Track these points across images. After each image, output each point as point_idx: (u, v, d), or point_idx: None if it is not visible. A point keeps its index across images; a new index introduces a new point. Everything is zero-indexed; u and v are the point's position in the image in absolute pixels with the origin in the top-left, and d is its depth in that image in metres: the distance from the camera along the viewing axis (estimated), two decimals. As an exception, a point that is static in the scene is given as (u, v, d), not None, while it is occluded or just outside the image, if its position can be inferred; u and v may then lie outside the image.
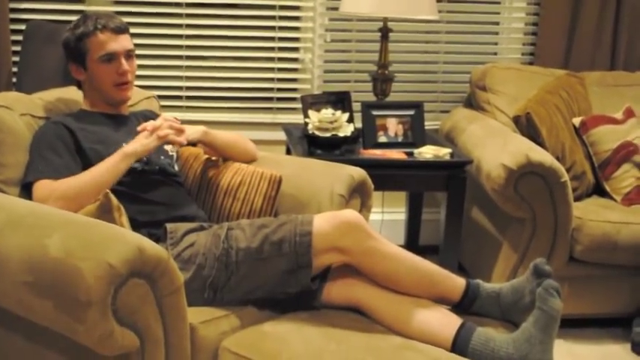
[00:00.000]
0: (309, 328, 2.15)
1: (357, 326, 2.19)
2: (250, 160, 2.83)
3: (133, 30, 2.68)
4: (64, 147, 2.46)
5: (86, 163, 2.45)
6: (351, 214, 2.27)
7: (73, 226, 1.98)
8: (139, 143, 2.44)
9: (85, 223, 2.01)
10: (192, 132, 2.62)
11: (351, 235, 2.23)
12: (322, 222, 2.24)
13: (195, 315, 2.11)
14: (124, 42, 2.59)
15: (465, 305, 2.30)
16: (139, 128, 2.49)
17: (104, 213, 2.18)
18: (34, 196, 2.36)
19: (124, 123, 2.65)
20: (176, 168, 2.71)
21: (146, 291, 1.89)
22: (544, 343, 2.11)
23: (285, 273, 2.23)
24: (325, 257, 2.25)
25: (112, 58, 2.56)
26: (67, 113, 2.65)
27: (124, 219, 2.25)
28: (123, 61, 2.58)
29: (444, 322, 2.18)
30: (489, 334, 2.14)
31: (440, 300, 2.29)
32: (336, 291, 2.30)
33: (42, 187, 2.36)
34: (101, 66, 2.56)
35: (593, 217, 3.13)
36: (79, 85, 2.67)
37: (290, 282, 2.24)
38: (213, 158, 2.80)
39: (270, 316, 2.25)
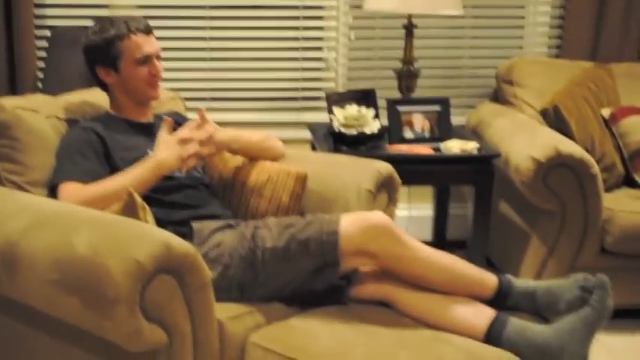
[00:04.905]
0: (337, 322, 2.14)
1: (386, 319, 2.18)
2: (278, 157, 2.82)
3: (157, 33, 2.68)
4: (92, 152, 2.47)
5: (113, 170, 2.45)
6: (378, 217, 2.24)
7: (99, 224, 1.99)
8: (174, 158, 2.41)
9: (112, 221, 2.02)
10: (222, 135, 2.60)
11: (379, 239, 2.20)
12: (349, 224, 2.22)
13: (223, 311, 2.10)
14: (154, 43, 2.62)
15: (496, 304, 2.25)
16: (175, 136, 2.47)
17: (129, 212, 2.18)
18: (60, 198, 2.36)
19: (150, 131, 2.64)
20: (201, 170, 2.70)
21: (174, 287, 1.89)
22: (585, 338, 2.08)
23: (312, 272, 2.22)
24: (353, 261, 2.24)
25: (147, 59, 2.58)
26: (94, 117, 2.66)
27: (149, 217, 2.25)
28: (156, 62, 2.60)
29: (477, 313, 2.17)
30: (525, 324, 2.12)
31: (472, 297, 2.25)
32: (365, 286, 2.29)
33: (69, 189, 2.37)
34: (136, 68, 2.57)
35: (624, 208, 3.09)
36: (104, 88, 2.67)
37: (317, 280, 2.23)
38: (239, 158, 2.79)
39: (297, 311, 2.24)
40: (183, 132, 2.48)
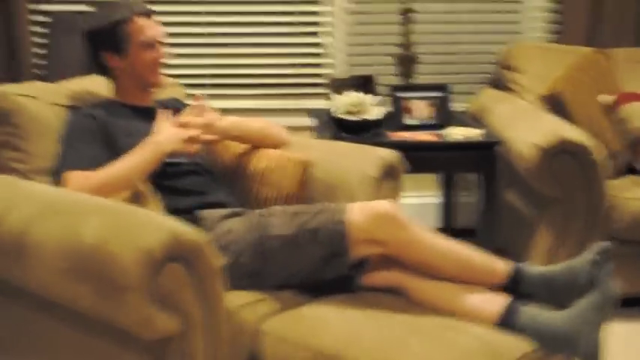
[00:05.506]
0: (349, 310, 2.13)
1: (398, 306, 2.16)
2: (281, 145, 2.79)
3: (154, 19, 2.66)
4: (94, 139, 2.45)
5: (116, 156, 2.41)
6: (385, 205, 2.23)
7: (107, 212, 1.96)
8: (174, 141, 2.40)
9: (120, 209, 2.00)
10: (222, 122, 2.59)
11: (386, 227, 2.19)
12: (356, 213, 2.21)
13: (234, 299, 2.09)
14: (158, 27, 2.60)
15: (509, 290, 2.21)
16: (174, 120, 2.45)
17: (136, 200, 2.16)
18: (65, 186, 2.33)
19: (151, 115, 2.61)
20: (204, 158, 2.68)
21: (184, 275, 1.87)
22: (595, 323, 2.07)
23: (321, 260, 2.21)
24: (362, 249, 2.22)
25: (152, 43, 2.56)
26: (95, 103, 2.62)
27: (157, 205, 2.23)
28: (160, 46, 2.59)
29: (489, 299, 2.15)
30: (537, 310, 2.10)
31: (482, 285, 2.23)
32: (376, 273, 2.28)
33: (74, 177, 2.34)
34: (143, 51, 2.55)
35: (629, 194, 3.09)
36: (105, 73, 2.63)
37: (326, 269, 2.22)
38: (241, 146, 2.76)
39: (308, 299, 2.22)
40: (182, 117, 2.47)
